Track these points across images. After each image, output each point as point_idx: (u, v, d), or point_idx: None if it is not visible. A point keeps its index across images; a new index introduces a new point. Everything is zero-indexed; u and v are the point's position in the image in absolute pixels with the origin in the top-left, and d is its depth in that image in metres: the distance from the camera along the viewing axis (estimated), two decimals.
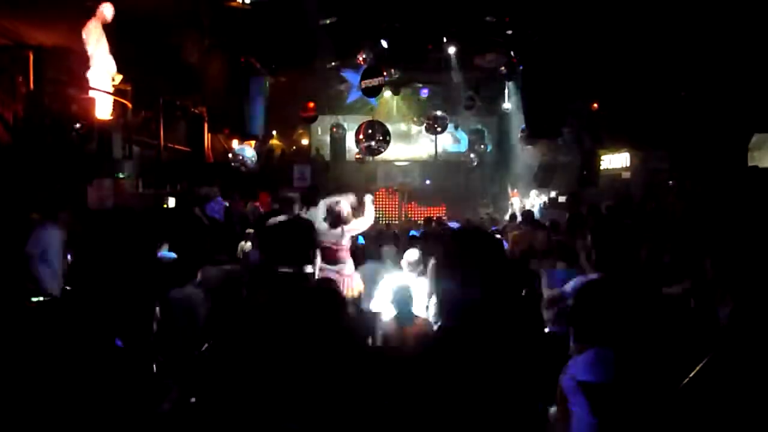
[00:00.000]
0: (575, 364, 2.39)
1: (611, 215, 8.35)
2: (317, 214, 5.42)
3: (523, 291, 4.23)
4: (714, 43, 8.01)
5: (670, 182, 9.64)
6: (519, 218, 10.62)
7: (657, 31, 8.48)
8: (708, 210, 7.11)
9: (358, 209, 5.72)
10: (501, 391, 1.88)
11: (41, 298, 4.58)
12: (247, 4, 9.15)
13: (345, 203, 5.39)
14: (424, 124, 14.81)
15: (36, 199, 5.66)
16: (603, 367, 2.33)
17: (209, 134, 12.36)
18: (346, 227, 5.29)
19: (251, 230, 8.00)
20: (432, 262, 4.91)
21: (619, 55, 9.36)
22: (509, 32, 10.86)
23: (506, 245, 8.03)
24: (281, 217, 5.75)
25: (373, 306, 4.97)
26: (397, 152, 16.50)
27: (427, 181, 17.26)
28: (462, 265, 2.00)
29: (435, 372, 1.96)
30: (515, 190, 15.56)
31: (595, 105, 11.68)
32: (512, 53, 11.78)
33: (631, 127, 10.64)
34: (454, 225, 10.58)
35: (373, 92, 11.86)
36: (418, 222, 13.86)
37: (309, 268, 4.98)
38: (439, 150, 17.49)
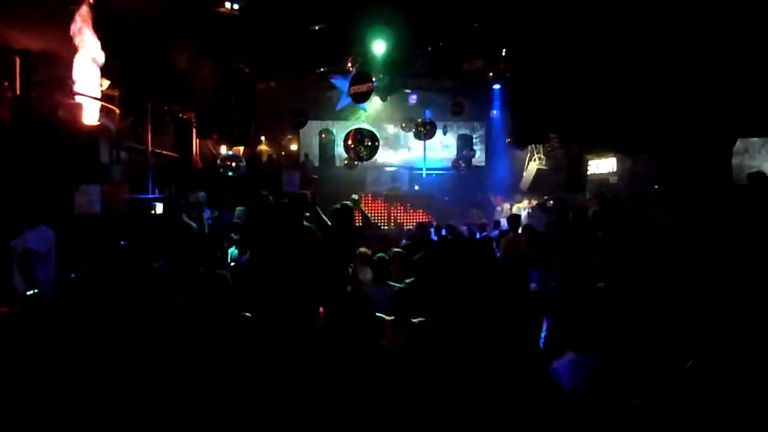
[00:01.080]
0: (558, 364, 2.42)
1: (597, 221, 8.41)
2: None
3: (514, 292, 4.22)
4: (699, 49, 8.13)
5: (656, 186, 9.74)
6: (503, 224, 10.70)
7: (643, 37, 8.60)
8: (691, 214, 7.19)
9: None
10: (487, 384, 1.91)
11: (34, 291, 4.59)
12: (236, 9, 9.16)
13: None
14: (413, 130, 14.87)
15: (25, 203, 5.63)
16: (578, 374, 2.35)
17: (197, 140, 12.31)
18: None
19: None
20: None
21: (606, 60, 9.47)
22: (497, 39, 10.96)
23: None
24: None
25: None
26: (385, 158, 16.55)
27: (416, 187, 17.32)
28: (442, 273, 2.03)
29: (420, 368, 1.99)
30: (499, 197, 15.66)
31: (582, 111, 11.80)
32: (500, 59, 11.88)
33: (617, 132, 10.75)
34: (463, 229, 10.65)
35: (362, 98, 11.89)
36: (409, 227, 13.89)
37: None
38: (428, 155, 17.56)
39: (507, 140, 14.40)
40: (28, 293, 4.57)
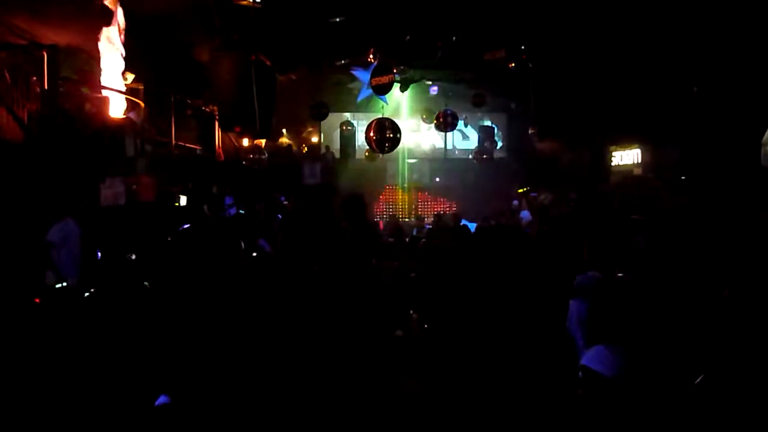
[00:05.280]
0: (587, 356, 2.41)
1: (620, 211, 8.31)
2: None
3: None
4: (727, 39, 7.96)
5: (683, 178, 9.59)
6: (524, 217, 10.59)
7: (669, 27, 8.44)
8: (715, 206, 7.07)
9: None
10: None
11: (63, 284, 4.71)
12: (257, 2, 9.22)
13: None
14: (434, 122, 14.82)
15: (52, 196, 5.75)
16: (613, 360, 2.34)
17: (220, 133, 12.43)
18: None
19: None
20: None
21: (631, 50, 9.31)
22: (519, 29, 10.85)
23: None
24: None
25: None
26: (406, 149, 16.52)
27: (437, 179, 17.28)
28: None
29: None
30: (519, 190, 15.52)
31: (606, 101, 11.64)
32: (522, 50, 11.76)
33: (642, 123, 10.58)
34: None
35: (383, 90, 11.88)
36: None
37: None
38: (449, 147, 17.49)
39: (529, 131, 14.23)
40: (57, 286, 4.68)
